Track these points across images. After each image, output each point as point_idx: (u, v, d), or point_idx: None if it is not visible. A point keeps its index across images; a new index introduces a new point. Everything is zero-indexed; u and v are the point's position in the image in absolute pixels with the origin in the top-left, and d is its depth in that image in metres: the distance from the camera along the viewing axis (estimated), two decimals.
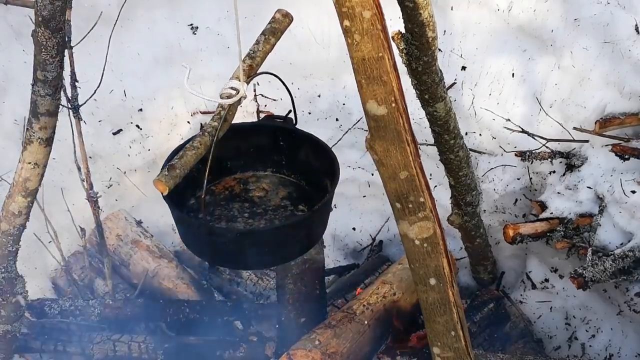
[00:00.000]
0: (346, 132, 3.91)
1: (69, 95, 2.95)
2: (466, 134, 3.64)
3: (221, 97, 2.19)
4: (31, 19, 2.08)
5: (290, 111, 2.46)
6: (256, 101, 3.78)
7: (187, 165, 2.12)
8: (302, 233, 2.29)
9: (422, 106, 2.67)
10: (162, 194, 2.05)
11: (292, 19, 2.37)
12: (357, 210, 4.10)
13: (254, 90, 3.87)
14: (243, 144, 2.56)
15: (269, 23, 2.40)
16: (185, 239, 2.36)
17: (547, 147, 3.39)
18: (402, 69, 2.04)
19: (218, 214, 2.44)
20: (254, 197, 2.50)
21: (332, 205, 2.55)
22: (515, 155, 3.45)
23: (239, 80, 2.19)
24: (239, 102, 2.21)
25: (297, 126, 2.47)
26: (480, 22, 3.75)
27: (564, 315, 3.48)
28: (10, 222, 2.41)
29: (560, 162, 3.41)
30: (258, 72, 2.32)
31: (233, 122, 2.28)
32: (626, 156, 3.16)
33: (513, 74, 3.64)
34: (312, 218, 2.28)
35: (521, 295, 3.61)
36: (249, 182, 2.57)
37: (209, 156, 2.12)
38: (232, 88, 2.20)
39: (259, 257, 2.29)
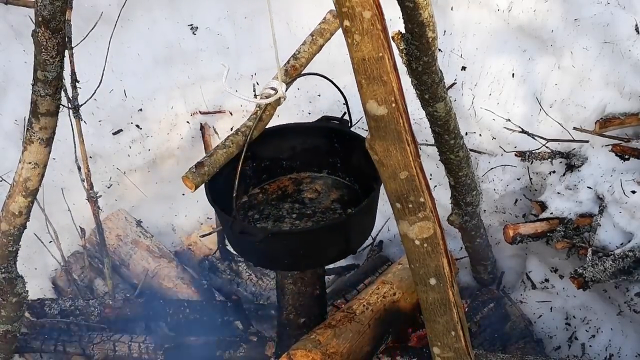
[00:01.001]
0: None
1: (69, 95, 2.96)
2: (466, 134, 3.64)
3: (261, 97, 2.18)
4: (31, 19, 2.09)
5: (345, 113, 2.45)
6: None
7: (217, 164, 2.13)
8: (336, 238, 2.27)
9: (422, 106, 2.67)
10: (190, 190, 2.06)
11: None
12: None
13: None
14: (298, 145, 2.56)
15: (319, 24, 2.37)
16: (226, 234, 2.36)
17: (547, 147, 3.39)
18: (402, 69, 2.04)
19: (267, 213, 2.45)
20: (305, 198, 2.50)
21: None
22: (515, 155, 3.45)
23: (280, 81, 2.18)
24: (277, 102, 2.19)
25: (352, 129, 2.46)
26: (480, 22, 3.75)
27: (564, 315, 3.48)
28: (11, 222, 2.41)
29: (560, 162, 3.41)
30: (302, 73, 2.30)
31: (293, 122, 2.28)
32: (626, 156, 3.16)
33: (513, 74, 3.64)
34: (345, 223, 2.26)
35: (521, 295, 3.60)
36: (303, 183, 2.56)
37: (242, 155, 2.12)
38: (271, 88, 2.19)
39: (290, 259, 2.29)
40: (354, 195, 2.48)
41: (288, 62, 2.31)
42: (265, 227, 2.39)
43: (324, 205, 2.46)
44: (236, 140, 2.19)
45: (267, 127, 2.53)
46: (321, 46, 2.36)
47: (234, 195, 2.11)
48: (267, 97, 2.18)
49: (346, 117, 2.47)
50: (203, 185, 2.26)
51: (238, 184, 2.15)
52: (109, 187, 3.87)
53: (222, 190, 2.22)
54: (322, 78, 2.45)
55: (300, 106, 3.97)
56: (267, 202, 2.51)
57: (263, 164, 2.56)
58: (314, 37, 2.33)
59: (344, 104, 2.42)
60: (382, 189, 1.99)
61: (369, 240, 4.02)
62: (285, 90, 2.22)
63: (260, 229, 2.31)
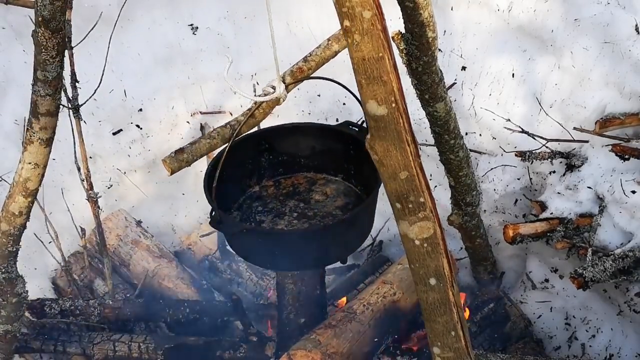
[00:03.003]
0: None
1: (69, 95, 2.95)
2: (466, 134, 3.64)
3: (261, 95, 2.19)
4: (31, 19, 2.08)
5: (364, 120, 2.45)
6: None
7: (197, 153, 2.14)
8: (313, 246, 2.27)
9: (422, 106, 2.67)
10: (167, 174, 2.10)
11: None
12: None
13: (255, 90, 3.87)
14: (318, 145, 2.56)
15: (339, 30, 2.35)
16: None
17: (547, 147, 3.39)
18: (402, 69, 2.04)
19: (271, 207, 2.45)
20: (312, 199, 2.50)
21: None
22: (515, 155, 3.45)
23: (279, 80, 2.17)
24: (276, 102, 2.19)
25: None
26: (480, 22, 3.74)
27: (564, 315, 3.48)
28: (11, 222, 2.41)
29: (560, 162, 3.41)
30: (311, 76, 2.28)
31: (315, 121, 2.27)
32: (626, 156, 3.16)
33: (513, 74, 3.64)
34: (323, 233, 2.26)
35: (521, 295, 3.61)
36: (316, 183, 2.57)
37: (227, 148, 2.14)
38: (272, 87, 2.19)
39: (265, 257, 2.29)
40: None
41: (297, 63, 2.30)
42: (262, 220, 2.40)
43: (326, 210, 2.46)
44: (223, 132, 2.20)
45: (286, 123, 2.53)
46: (336, 52, 2.34)
47: (214, 185, 2.12)
48: (265, 95, 2.18)
49: (364, 124, 2.47)
50: (202, 178, 2.27)
51: (249, 174, 2.14)
52: (109, 187, 3.87)
53: (227, 181, 2.24)
54: (327, 81, 2.45)
55: (300, 106, 3.97)
56: (276, 196, 2.52)
57: (280, 158, 2.57)
58: (329, 42, 2.32)
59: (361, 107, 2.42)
60: (381, 190, 1.99)
61: (369, 240, 4.03)
62: (286, 90, 2.21)
63: (236, 223, 2.32)
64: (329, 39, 2.32)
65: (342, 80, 4.23)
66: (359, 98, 2.35)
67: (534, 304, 3.54)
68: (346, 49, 2.22)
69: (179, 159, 2.10)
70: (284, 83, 2.22)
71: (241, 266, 3.76)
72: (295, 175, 2.59)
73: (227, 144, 2.21)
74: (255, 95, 2.20)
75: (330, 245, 2.29)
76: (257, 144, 2.51)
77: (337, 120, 3.97)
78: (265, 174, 2.58)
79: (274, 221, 2.41)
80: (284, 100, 2.22)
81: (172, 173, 2.10)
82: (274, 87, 2.19)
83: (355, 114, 3.90)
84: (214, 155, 2.36)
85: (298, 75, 2.26)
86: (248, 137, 2.39)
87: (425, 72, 2.46)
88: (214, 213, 2.17)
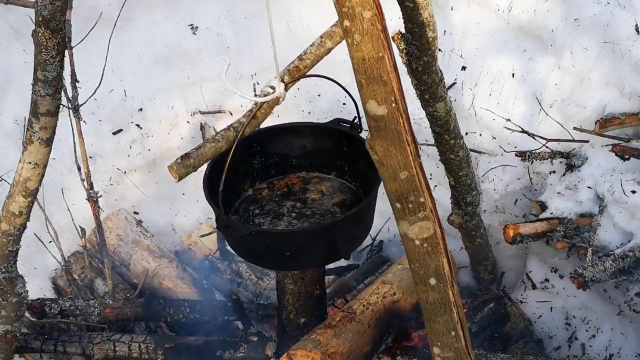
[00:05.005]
0: None
1: (69, 95, 2.95)
2: (466, 134, 3.64)
3: (259, 95, 2.18)
4: (31, 19, 2.08)
5: (355, 117, 2.44)
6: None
7: (204, 157, 2.13)
8: (322, 242, 2.26)
9: (422, 106, 2.67)
10: (174, 180, 2.09)
11: None
12: None
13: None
14: (309, 144, 2.56)
15: (331, 26, 2.36)
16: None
17: (547, 147, 3.39)
18: (402, 69, 2.04)
19: (268, 209, 2.45)
20: (308, 199, 2.49)
21: None
22: (515, 155, 3.45)
23: (279, 80, 2.17)
24: (276, 101, 2.19)
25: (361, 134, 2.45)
26: (480, 22, 3.74)
27: (564, 315, 3.48)
28: (11, 222, 2.41)
29: (560, 162, 3.41)
30: (307, 74, 2.29)
31: (305, 120, 2.27)
32: (626, 156, 3.17)
33: (513, 74, 3.64)
34: (331, 229, 2.25)
35: (521, 295, 3.60)
36: (310, 182, 2.56)
37: (231, 151, 2.13)
38: (270, 87, 2.18)
39: (274, 258, 2.29)
40: (357, 201, 2.48)
41: (292, 62, 2.31)
42: (262, 223, 2.40)
43: (324, 208, 2.45)
44: (227, 135, 2.20)
45: (277, 124, 2.53)
46: (330, 49, 2.34)
47: (220, 189, 2.11)
48: (264, 95, 2.18)
49: (357, 121, 2.46)
50: (202, 180, 2.27)
51: (243, 178, 2.14)
52: (110, 186, 3.87)
53: (223, 188, 2.23)
54: (318, 78, 2.45)
55: (300, 106, 3.97)
56: (271, 198, 2.51)
57: (272, 160, 2.57)
58: (322, 40, 2.32)
59: (355, 109, 2.41)
60: (381, 190, 1.99)
61: (368, 240, 4.03)
62: (285, 90, 2.21)
63: (244, 226, 2.31)
64: (322, 37, 2.33)
65: (343, 80, 4.23)
66: (354, 97, 2.36)
67: (534, 303, 3.54)
68: (339, 46, 2.23)
69: (186, 165, 2.09)
70: (283, 82, 2.22)
71: (241, 266, 3.76)
72: (288, 176, 2.59)
73: (229, 147, 2.20)
74: (255, 96, 2.20)
75: (338, 241, 2.29)
76: (248, 147, 2.50)
77: None
78: (258, 176, 2.57)
79: (274, 223, 2.41)
80: (283, 100, 2.22)
81: (179, 179, 2.09)
82: (272, 87, 2.19)
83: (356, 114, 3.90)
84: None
85: (295, 74, 2.26)
86: (239, 141, 2.39)
87: (425, 72, 2.46)
88: (219, 218, 2.16)
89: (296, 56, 2.46)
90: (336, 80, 2.32)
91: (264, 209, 2.47)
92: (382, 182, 1.90)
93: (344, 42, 1.66)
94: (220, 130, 2.21)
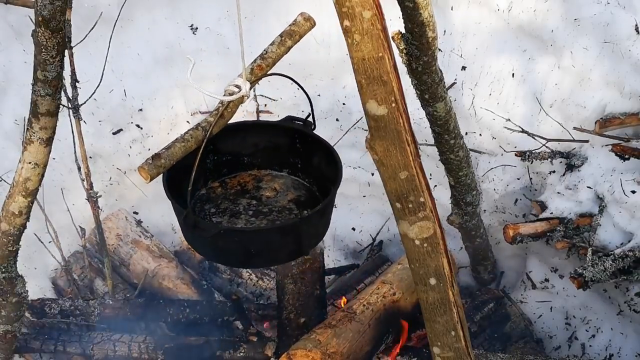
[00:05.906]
0: (346, 132, 3.91)
1: (69, 95, 2.95)
2: (466, 134, 3.64)
3: (225, 94, 2.19)
4: (31, 19, 2.08)
5: (309, 114, 2.45)
6: (256, 101, 3.78)
7: (174, 157, 2.13)
8: (289, 239, 2.28)
9: (422, 106, 2.67)
10: (145, 181, 2.07)
11: (315, 24, 2.35)
12: (357, 210, 4.10)
13: (254, 90, 3.86)
14: (261, 142, 2.56)
15: (289, 25, 2.38)
16: (181, 228, 2.36)
17: (547, 147, 3.39)
18: (402, 69, 2.04)
19: (224, 207, 2.45)
20: (263, 196, 2.50)
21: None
22: (515, 155, 3.45)
23: (244, 79, 2.19)
24: (241, 100, 2.20)
25: (315, 131, 2.46)
26: (480, 22, 3.75)
27: (564, 315, 3.48)
28: (11, 222, 2.41)
29: (560, 162, 3.41)
30: (268, 72, 2.31)
31: (256, 119, 2.27)
32: (626, 156, 3.17)
33: (513, 74, 3.64)
34: (299, 225, 2.26)
35: (521, 295, 3.61)
36: (263, 180, 2.56)
37: (200, 150, 2.13)
38: (235, 86, 2.20)
39: (241, 256, 2.29)
40: (311, 197, 2.50)
41: (255, 61, 2.32)
42: (220, 221, 2.40)
43: (280, 205, 2.47)
44: (195, 135, 2.21)
45: (230, 122, 2.53)
46: (289, 48, 2.37)
47: (189, 189, 2.11)
48: (230, 95, 2.19)
49: (311, 119, 2.48)
50: (162, 181, 2.26)
51: (197, 176, 2.15)
52: (110, 186, 3.87)
53: (180, 183, 2.23)
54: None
55: (300, 106, 3.97)
56: (225, 197, 2.51)
57: (224, 158, 2.58)
58: (282, 38, 2.34)
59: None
60: (382, 190, 2.00)
61: (369, 240, 4.03)
62: (250, 89, 2.22)
63: (213, 225, 2.31)
64: (282, 35, 2.35)
65: (343, 80, 4.24)
66: (309, 94, 2.38)
67: (534, 303, 3.54)
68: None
69: (157, 165, 2.09)
70: (249, 82, 2.24)
71: None
72: (240, 174, 2.59)
73: (198, 146, 2.19)
74: (223, 95, 2.21)
75: (303, 237, 2.30)
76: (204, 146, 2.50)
77: (337, 119, 3.97)
78: (211, 175, 2.58)
79: (232, 221, 2.40)
80: (248, 98, 2.23)
81: (150, 180, 2.08)
82: (237, 86, 2.20)
83: (355, 114, 3.90)
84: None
85: (258, 73, 2.28)
86: (207, 140, 2.39)
87: (425, 72, 2.46)
88: (187, 217, 2.15)
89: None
90: (293, 78, 2.35)
91: (219, 207, 2.46)
92: (382, 182, 1.90)
93: (343, 41, 1.66)
94: (189, 130, 2.22)
